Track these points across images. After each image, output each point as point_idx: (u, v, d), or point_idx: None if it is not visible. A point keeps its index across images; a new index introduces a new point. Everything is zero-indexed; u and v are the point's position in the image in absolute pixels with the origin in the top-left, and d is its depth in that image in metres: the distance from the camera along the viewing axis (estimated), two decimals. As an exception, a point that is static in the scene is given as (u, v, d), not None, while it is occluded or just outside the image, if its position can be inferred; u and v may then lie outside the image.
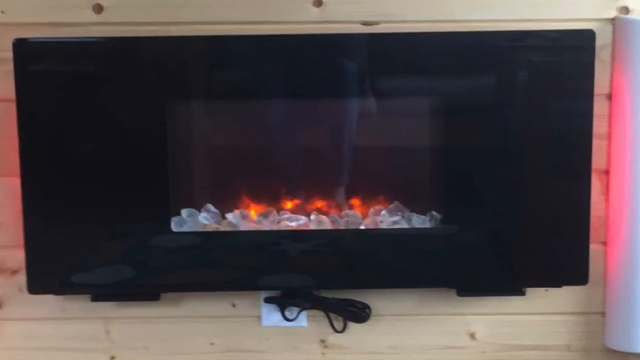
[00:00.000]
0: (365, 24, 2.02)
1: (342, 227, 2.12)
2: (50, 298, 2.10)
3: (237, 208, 2.15)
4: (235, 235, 2.10)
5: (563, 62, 2.00)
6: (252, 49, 2.01)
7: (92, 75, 2.01)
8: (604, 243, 2.10)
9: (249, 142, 2.17)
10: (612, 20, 2.02)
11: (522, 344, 2.16)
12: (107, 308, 2.13)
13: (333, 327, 2.14)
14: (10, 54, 1.98)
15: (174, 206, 2.10)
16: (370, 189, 2.16)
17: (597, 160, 2.05)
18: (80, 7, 2.01)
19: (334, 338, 2.16)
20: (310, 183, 2.18)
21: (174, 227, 2.09)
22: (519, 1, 2.01)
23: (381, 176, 2.16)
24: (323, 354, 2.17)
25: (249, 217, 2.14)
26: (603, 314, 2.13)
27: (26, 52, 1.99)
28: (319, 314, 2.14)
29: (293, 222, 2.12)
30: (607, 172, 2.07)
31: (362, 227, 2.12)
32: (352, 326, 2.14)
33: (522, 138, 2.03)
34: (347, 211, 2.15)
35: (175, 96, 2.05)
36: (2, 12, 2.01)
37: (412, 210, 2.13)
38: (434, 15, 2.01)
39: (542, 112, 2.02)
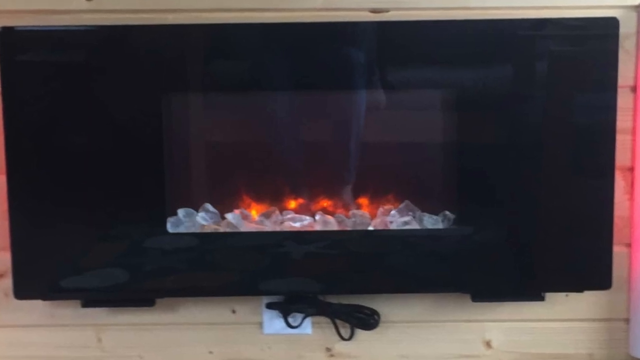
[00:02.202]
0: (373, 11, 2.01)
1: (349, 228, 2.12)
2: (38, 304, 2.10)
3: (237, 208, 2.15)
4: (236, 237, 2.09)
5: (585, 52, 1.99)
6: (254, 38, 2.00)
7: (83, 66, 2.00)
8: (628, 245, 2.08)
9: (250, 137, 2.16)
10: (637, 8, 2.00)
11: (541, 353, 2.15)
12: (99, 314, 2.13)
13: (339, 335, 2.13)
14: (-5, 43, 1.97)
15: (170, 206, 2.09)
16: (379, 187, 2.15)
17: (621, 156, 2.03)
18: (70, -7, 2.01)
19: (340, 346, 2.15)
20: (315, 181, 2.18)
21: (170, 228, 2.08)
22: (538, -13, 2.01)
23: (391, 174, 2.16)
24: (329, 363, 2.18)
25: (249, 217, 2.14)
26: (627, 320, 2.12)
27: (13, 41, 1.98)
28: (324, 320, 2.13)
29: (297, 222, 2.12)
30: (631, 170, 2.06)
31: (371, 227, 2.12)
32: (360, 333, 2.13)
33: (540, 133, 2.02)
34: (355, 211, 2.14)
35: (171, 88, 2.04)
36: (-13, -1, 2.01)
37: (424, 210, 2.12)
38: (447, 2, 2.00)
39: (562, 105, 2.01)
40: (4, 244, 2.04)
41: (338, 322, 2.12)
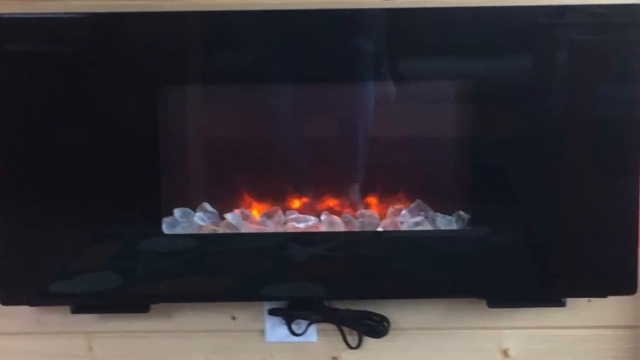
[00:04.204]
0: (383, -3, 2.00)
1: (356, 229, 2.11)
2: (25, 310, 2.09)
3: (237, 207, 2.14)
4: (236, 238, 2.08)
5: (608, 41, 1.97)
6: (256, 26, 1.98)
7: (73, 57, 1.98)
8: (655, 247, 2.07)
9: (251, 132, 2.16)
10: (664, -6, 1.98)
11: (562, 362, 2.14)
12: (90, 321, 2.12)
13: (346, 343, 2.11)
14: (-21, 33, 1.95)
15: (166, 205, 2.07)
16: (388, 185, 2.14)
17: (647, 152, 2.01)
18: (59, -22, 1.99)
19: (347, 355, 2.13)
20: (320, 179, 2.18)
21: (165, 229, 2.07)
22: (559, -28, 1.99)
23: (401, 171, 2.15)
24: (335, 372, 2.16)
25: (250, 218, 2.12)
26: (654, 327, 2.11)
27: (-2, 30, 1.96)
28: (330, 327, 2.11)
29: (301, 223, 2.11)
30: (658, 167, 2.04)
31: (380, 228, 2.10)
32: (368, 341, 2.12)
33: (561, 128, 2.00)
34: (363, 211, 2.13)
35: (168, 81, 2.02)
36: (-31, -16, 1.99)
37: (437, 210, 2.11)
38: (461, -12, 2.00)
39: (584, 98, 1.99)
40: (-11, 247, 2.02)
41: (345, 329, 2.10)
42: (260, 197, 2.14)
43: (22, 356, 2.12)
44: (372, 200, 2.15)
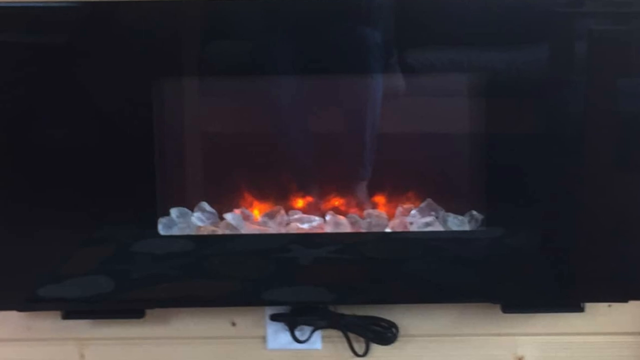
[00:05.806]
0: (391, -15, 1.97)
1: (363, 230, 2.09)
2: (13, 315, 2.07)
3: (237, 207, 2.13)
4: (236, 240, 2.07)
5: (630, 31, 1.93)
6: (257, 14, 1.96)
7: (63, 49, 1.95)
8: (679, 249, 2.04)
9: (252, 127, 2.14)
10: (690, -19, 1.95)
11: (580, 370, 2.11)
12: (82, 327, 2.10)
13: (353, 350, 2.09)
14: (-37, 22, 1.92)
15: (162, 205, 2.06)
16: (397, 183, 2.13)
17: (672, 149, 1.98)
18: (48, -36, 1.96)
19: None
20: (325, 177, 2.17)
21: (161, 230, 2.06)
22: (578, -43, 1.96)
23: (411, 169, 2.13)
24: (341, 381, 2.14)
25: (251, 218, 2.12)
26: (677, 333, 2.09)
27: (-16, 20, 1.94)
28: (335, 334, 2.10)
29: (305, 223, 2.10)
30: (683, 165, 2.01)
31: (388, 229, 2.09)
32: (376, 349, 2.10)
33: (579, 123, 1.97)
34: (370, 211, 2.12)
35: (163, 73, 2.00)
36: (-48, -30, 1.95)
37: (448, 210, 2.10)
38: (474, -25, 1.97)
39: (604, 92, 1.96)
40: (-26, 249, 2.00)
41: (351, 335, 2.08)
42: (262, 196, 2.14)
43: (11, 364, 2.12)
44: (380, 199, 2.14)
